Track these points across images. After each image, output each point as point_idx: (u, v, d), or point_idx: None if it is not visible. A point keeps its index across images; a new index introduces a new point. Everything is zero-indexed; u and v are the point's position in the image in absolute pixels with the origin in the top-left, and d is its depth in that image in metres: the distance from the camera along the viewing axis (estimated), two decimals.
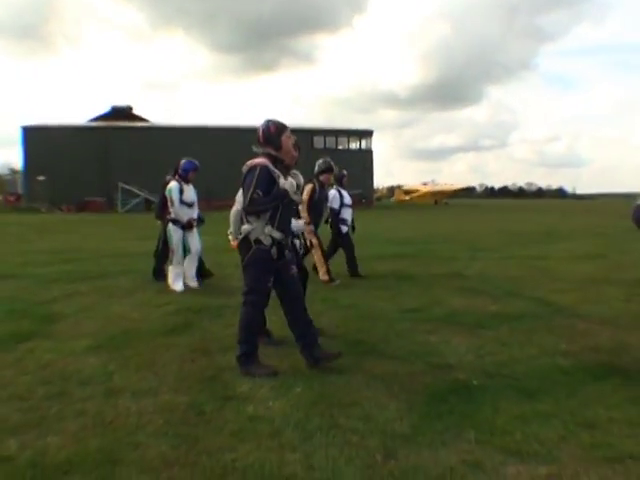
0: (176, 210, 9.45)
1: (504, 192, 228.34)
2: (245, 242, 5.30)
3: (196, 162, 9.75)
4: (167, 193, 9.55)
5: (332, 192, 10.76)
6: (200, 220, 10.15)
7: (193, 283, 9.78)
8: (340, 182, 11.04)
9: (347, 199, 11.03)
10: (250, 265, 5.30)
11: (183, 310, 7.95)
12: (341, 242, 11.00)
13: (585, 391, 4.60)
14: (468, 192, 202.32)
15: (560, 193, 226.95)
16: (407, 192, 78.69)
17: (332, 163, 9.87)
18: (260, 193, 5.05)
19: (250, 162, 5.24)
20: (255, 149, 5.36)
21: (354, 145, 71.10)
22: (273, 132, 5.25)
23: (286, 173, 5.33)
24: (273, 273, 5.30)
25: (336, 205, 10.81)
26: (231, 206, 5.65)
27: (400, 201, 71.52)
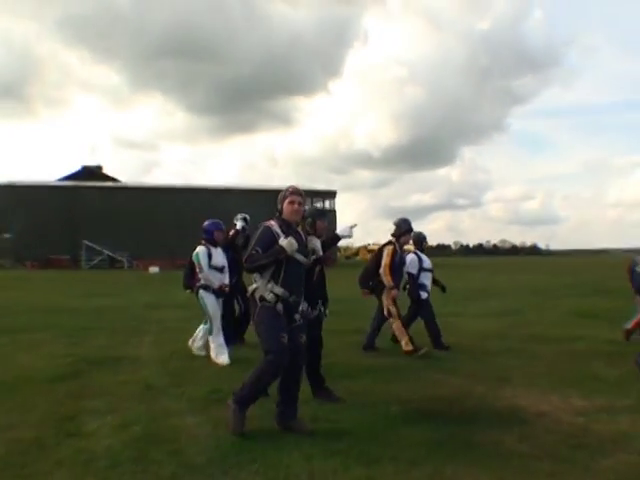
0: (205, 276, 8.63)
1: (479, 250, 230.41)
2: (252, 301, 5.34)
3: (219, 222, 9.02)
4: (194, 259, 8.72)
5: (410, 256, 9.90)
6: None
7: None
8: (420, 246, 10.19)
9: (426, 263, 10.03)
10: (258, 324, 5.26)
11: (79, 361, 8.51)
12: (420, 310, 9.95)
13: (390, 434, 5.09)
14: (442, 250, 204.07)
15: (534, 250, 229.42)
16: (370, 251, 79.11)
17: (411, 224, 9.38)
18: (259, 250, 5.13)
19: (260, 224, 5.44)
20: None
21: (318, 205, 71.49)
22: (279, 197, 5.46)
23: (292, 233, 5.32)
24: (285, 329, 5.20)
25: (414, 270, 9.82)
26: None
27: (365, 259, 72.02)
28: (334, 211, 72.37)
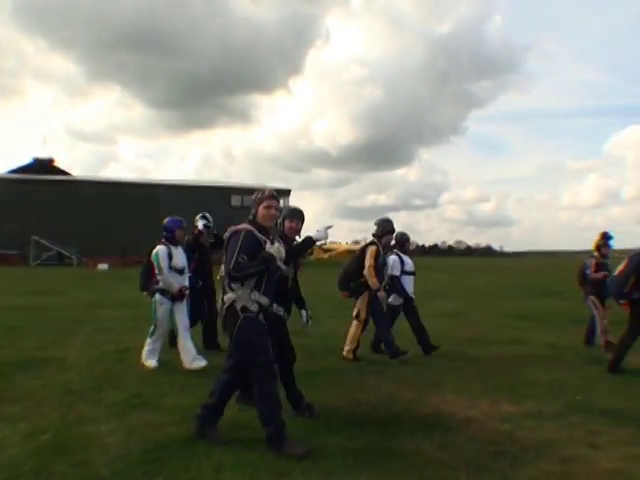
0: (165, 278, 7.94)
1: (434, 250, 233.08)
2: (230, 312, 4.92)
3: (181, 219, 8.36)
4: (153, 259, 7.99)
5: (392, 257, 9.48)
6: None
7: (200, 362, 8.05)
8: (402, 246, 9.77)
9: (409, 265, 9.68)
10: (242, 338, 4.88)
11: (2, 363, 8.22)
12: (402, 311, 9.62)
13: (309, 442, 4.89)
14: None
15: (488, 251, 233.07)
16: (326, 250, 78.81)
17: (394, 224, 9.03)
18: (245, 257, 4.76)
19: (233, 227, 5.05)
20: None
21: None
22: (254, 199, 5.17)
23: (273, 239, 5.11)
24: (269, 338, 4.98)
25: (397, 272, 9.44)
26: None
27: (319, 259, 71.99)
28: None
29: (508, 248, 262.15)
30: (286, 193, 72.78)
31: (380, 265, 8.79)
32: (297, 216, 6.17)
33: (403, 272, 9.52)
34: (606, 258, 10.24)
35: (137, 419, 5.54)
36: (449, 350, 9.49)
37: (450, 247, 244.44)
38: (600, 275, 10.00)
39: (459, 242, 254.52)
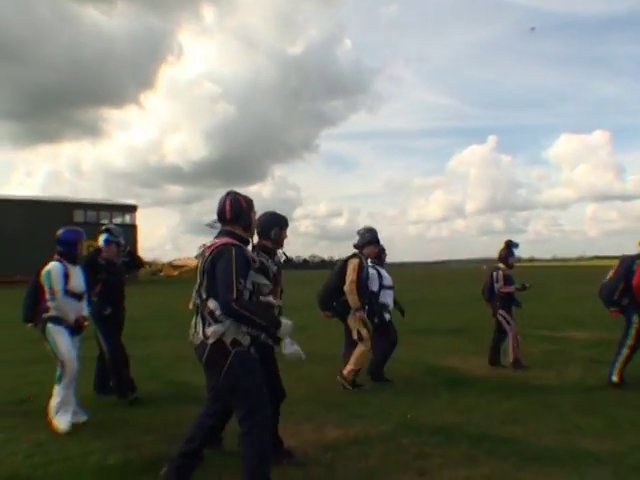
0: (59, 305, 6.17)
1: (289, 264, 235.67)
2: (217, 347, 4.03)
3: (81, 230, 6.71)
4: (44, 280, 6.19)
5: (370, 271, 8.36)
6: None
7: (80, 417, 6.35)
8: (379, 258, 8.76)
9: (387, 280, 8.73)
10: (237, 378, 4.03)
11: None
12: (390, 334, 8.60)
13: None
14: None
15: None
16: (176, 267, 76.35)
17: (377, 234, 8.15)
18: (243, 282, 3.96)
19: (215, 242, 4.14)
20: (211, 226, 4.43)
21: (118, 220, 67.89)
22: (245, 207, 4.33)
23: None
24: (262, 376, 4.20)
25: (375, 287, 8.46)
26: None
27: (169, 276, 70.14)
28: (134, 225, 68.82)
29: None
30: (132, 209, 70.34)
31: (364, 280, 7.88)
32: (287, 224, 5.37)
33: (382, 286, 8.62)
34: (512, 268, 9.71)
35: None
36: (282, 368, 8.87)
37: (305, 261, 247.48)
38: (512, 289, 9.57)
39: (313, 256, 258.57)
